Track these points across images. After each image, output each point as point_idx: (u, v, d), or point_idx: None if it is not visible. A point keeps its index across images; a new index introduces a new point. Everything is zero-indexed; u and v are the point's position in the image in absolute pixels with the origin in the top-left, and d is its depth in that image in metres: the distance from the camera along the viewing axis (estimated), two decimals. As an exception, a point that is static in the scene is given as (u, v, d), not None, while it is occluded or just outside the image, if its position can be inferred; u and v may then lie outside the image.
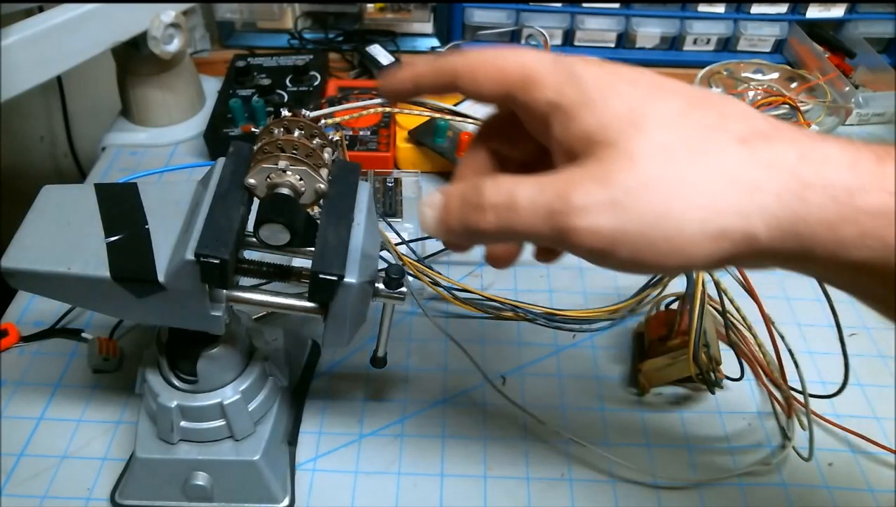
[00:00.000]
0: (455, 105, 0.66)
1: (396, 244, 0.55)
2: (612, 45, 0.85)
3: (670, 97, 0.26)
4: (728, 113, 0.25)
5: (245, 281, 0.39)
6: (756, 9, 0.83)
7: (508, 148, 0.32)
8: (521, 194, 0.25)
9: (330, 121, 0.43)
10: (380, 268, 0.40)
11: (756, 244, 0.24)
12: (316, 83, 0.74)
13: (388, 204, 0.64)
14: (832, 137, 0.24)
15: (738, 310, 0.45)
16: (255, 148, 0.35)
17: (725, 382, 0.49)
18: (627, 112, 0.25)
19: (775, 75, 0.80)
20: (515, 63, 0.28)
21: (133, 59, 0.69)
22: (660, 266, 0.25)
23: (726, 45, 0.85)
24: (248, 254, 0.37)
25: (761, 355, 0.49)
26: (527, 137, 0.30)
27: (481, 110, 0.71)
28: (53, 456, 0.46)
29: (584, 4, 0.82)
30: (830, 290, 0.47)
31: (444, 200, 0.28)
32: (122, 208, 0.37)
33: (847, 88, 0.77)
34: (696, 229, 0.24)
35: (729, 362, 0.49)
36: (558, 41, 0.84)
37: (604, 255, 0.25)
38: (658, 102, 0.26)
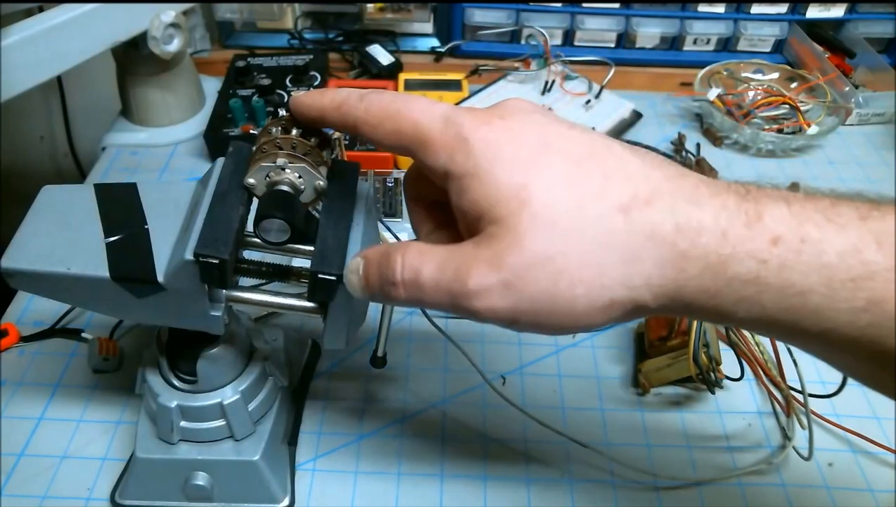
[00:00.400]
0: (455, 105, 0.66)
1: (396, 244, 0.55)
2: (612, 45, 0.85)
3: (556, 160, 0.26)
4: (612, 173, 0.26)
5: (245, 281, 0.39)
6: (756, 9, 0.83)
7: (436, 193, 0.31)
8: (425, 274, 0.27)
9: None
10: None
11: (646, 308, 0.26)
12: (316, 83, 0.74)
13: (388, 204, 0.64)
14: (709, 194, 0.25)
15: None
16: (255, 148, 0.35)
17: (725, 382, 0.49)
18: (513, 185, 0.26)
19: (775, 75, 0.80)
20: (409, 122, 0.28)
21: (133, 59, 0.69)
22: (561, 332, 0.27)
23: (726, 45, 0.85)
24: (248, 254, 0.37)
25: (761, 355, 0.49)
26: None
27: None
28: (53, 456, 0.46)
29: (584, 4, 0.82)
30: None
31: (365, 269, 0.30)
32: (121, 208, 0.37)
33: (847, 88, 0.77)
34: (586, 304, 0.25)
35: (729, 362, 0.49)
36: (558, 41, 0.84)
37: (507, 326, 0.27)
38: (543, 168, 0.26)
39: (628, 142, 0.49)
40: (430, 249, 0.28)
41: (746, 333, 0.49)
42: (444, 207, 0.31)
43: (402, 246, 0.28)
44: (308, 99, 0.32)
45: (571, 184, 0.26)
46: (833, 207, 0.24)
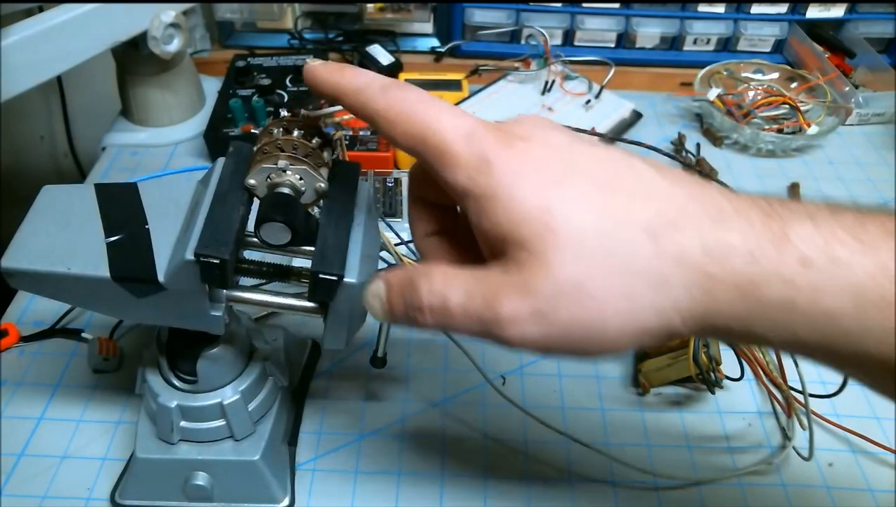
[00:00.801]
0: (455, 105, 0.66)
1: (396, 244, 0.55)
2: (612, 45, 0.85)
3: (579, 182, 0.26)
4: (636, 193, 0.25)
5: (245, 281, 0.39)
6: (756, 9, 0.83)
7: (442, 197, 0.31)
8: (453, 301, 0.26)
9: (330, 121, 0.43)
10: (380, 268, 0.40)
11: (678, 332, 0.25)
12: (316, 83, 0.74)
13: (388, 204, 0.64)
14: (734, 212, 0.24)
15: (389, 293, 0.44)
16: (255, 148, 0.35)
17: (725, 382, 0.49)
18: (537, 210, 0.25)
19: (775, 75, 0.80)
20: (431, 131, 0.27)
21: (133, 59, 0.69)
22: (592, 358, 0.27)
23: (726, 45, 0.85)
24: (249, 254, 0.37)
25: (761, 355, 0.49)
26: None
27: (483, 112, 0.71)
28: (53, 456, 0.46)
29: (584, 4, 0.82)
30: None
31: (387, 294, 0.28)
32: (121, 208, 0.37)
33: (847, 88, 0.77)
34: (617, 331, 0.25)
35: (729, 362, 0.49)
36: (558, 41, 0.84)
37: (540, 354, 0.26)
38: (566, 190, 0.25)
39: (628, 142, 0.49)
40: (455, 274, 0.27)
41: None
42: (447, 211, 0.32)
43: (426, 270, 0.27)
44: (325, 73, 0.30)
45: (596, 207, 0.25)
46: (860, 225, 0.23)
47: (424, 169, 0.30)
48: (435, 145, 0.27)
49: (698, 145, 0.75)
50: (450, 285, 0.26)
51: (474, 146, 0.26)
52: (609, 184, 0.26)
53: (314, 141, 0.35)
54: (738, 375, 0.49)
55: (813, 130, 0.73)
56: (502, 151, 0.26)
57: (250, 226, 0.35)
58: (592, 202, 0.25)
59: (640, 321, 0.25)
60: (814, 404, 0.50)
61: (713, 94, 0.75)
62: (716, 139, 0.76)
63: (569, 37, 0.84)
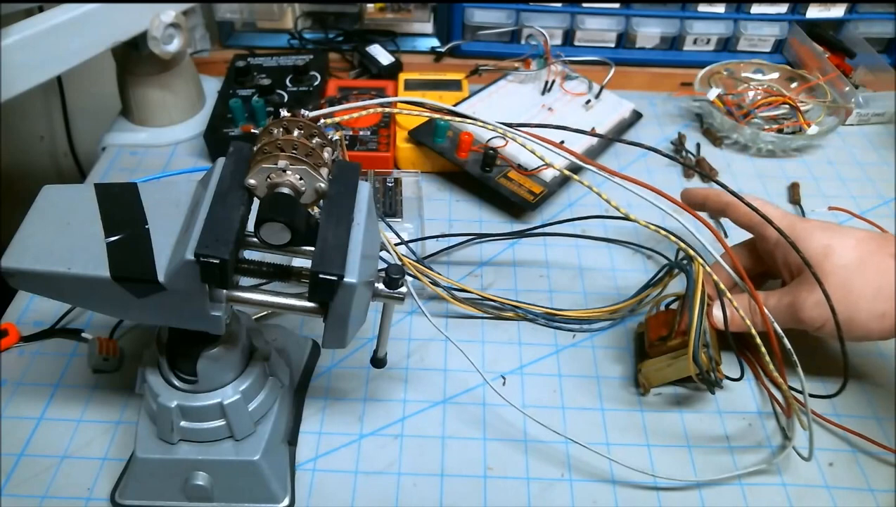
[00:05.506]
0: (455, 105, 0.66)
1: (396, 244, 0.55)
2: (612, 45, 0.85)
3: (848, 235, 0.46)
4: (882, 243, 0.46)
5: (245, 281, 0.39)
6: (756, 9, 0.83)
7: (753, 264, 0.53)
8: (770, 306, 0.47)
9: (329, 121, 0.43)
10: (380, 268, 0.40)
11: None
12: (316, 83, 0.74)
13: (388, 204, 0.64)
14: None
15: (737, 310, 0.45)
16: (255, 148, 0.35)
17: (725, 382, 0.49)
18: (822, 247, 0.46)
19: (775, 75, 0.80)
20: (754, 217, 0.48)
21: (133, 59, 0.69)
22: (851, 337, 0.45)
23: (726, 45, 0.85)
24: (249, 254, 0.37)
25: (761, 356, 0.48)
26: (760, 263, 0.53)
27: (483, 112, 0.71)
28: (53, 456, 0.46)
29: (584, 4, 0.82)
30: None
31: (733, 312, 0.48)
32: (122, 208, 0.37)
33: (847, 88, 0.77)
34: (866, 314, 0.44)
35: (729, 362, 0.49)
36: (558, 41, 0.84)
37: (819, 330, 0.46)
38: (840, 238, 0.46)
39: (628, 143, 0.50)
40: (767, 293, 0.49)
41: (746, 333, 0.49)
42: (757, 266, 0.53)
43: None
44: (698, 193, 0.54)
45: (859, 245, 0.46)
46: None
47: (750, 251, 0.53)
48: (761, 223, 0.48)
49: (698, 145, 0.75)
50: (768, 297, 0.48)
51: (785, 221, 0.48)
52: (867, 238, 0.46)
53: (314, 141, 0.35)
54: (738, 375, 0.49)
55: (813, 130, 0.73)
56: (800, 222, 0.48)
57: (250, 226, 0.35)
58: (857, 245, 0.46)
59: (881, 308, 0.44)
60: (814, 404, 0.50)
61: (713, 94, 0.75)
62: (716, 139, 0.76)
63: (569, 37, 0.84)
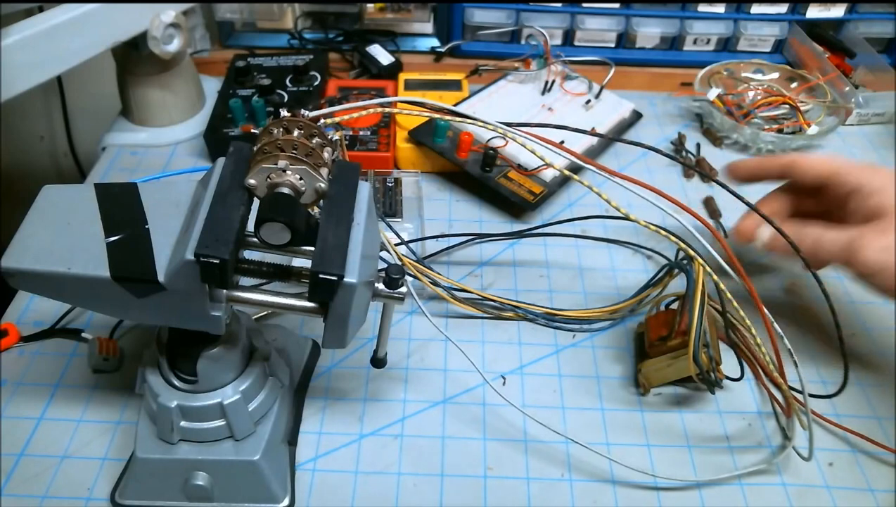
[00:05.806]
0: (455, 105, 0.66)
1: (396, 244, 0.55)
2: (612, 45, 0.85)
3: None
4: None
5: (245, 281, 0.39)
6: (756, 9, 0.83)
7: (796, 203, 0.54)
8: (827, 237, 0.47)
9: (329, 121, 0.43)
10: (380, 268, 0.40)
11: None
12: (316, 83, 0.74)
13: (388, 204, 0.64)
14: None
15: (737, 310, 0.45)
16: (255, 148, 0.35)
17: (725, 382, 0.49)
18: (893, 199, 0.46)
19: (775, 75, 0.80)
20: (830, 166, 0.50)
21: (133, 59, 0.69)
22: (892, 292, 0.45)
23: (726, 45, 0.85)
24: (249, 254, 0.37)
25: (761, 355, 0.48)
26: (806, 202, 0.53)
27: (482, 112, 0.71)
28: (53, 456, 0.46)
29: (584, 4, 0.82)
30: (829, 290, 0.47)
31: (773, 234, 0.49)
32: (122, 208, 0.37)
33: (847, 88, 0.77)
34: None
35: (729, 362, 0.49)
36: (558, 41, 0.84)
37: (870, 277, 0.45)
38: None
39: (628, 142, 0.50)
40: (825, 227, 0.48)
41: (746, 333, 0.49)
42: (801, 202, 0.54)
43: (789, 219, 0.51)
44: (747, 162, 0.56)
45: None
46: None
47: (792, 187, 0.54)
48: (834, 173, 0.50)
49: (698, 145, 0.75)
50: (824, 232, 0.48)
51: (858, 168, 0.49)
52: None
53: (314, 141, 0.35)
54: (738, 375, 0.49)
55: (813, 130, 0.73)
56: (869, 170, 0.49)
57: (250, 226, 0.35)
58: None
59: None
60: (814, 404, 0.50)
61: (713, 94, 0.75)
62: (716, 139, 0.76)
63: (569, 37, 0.84)
